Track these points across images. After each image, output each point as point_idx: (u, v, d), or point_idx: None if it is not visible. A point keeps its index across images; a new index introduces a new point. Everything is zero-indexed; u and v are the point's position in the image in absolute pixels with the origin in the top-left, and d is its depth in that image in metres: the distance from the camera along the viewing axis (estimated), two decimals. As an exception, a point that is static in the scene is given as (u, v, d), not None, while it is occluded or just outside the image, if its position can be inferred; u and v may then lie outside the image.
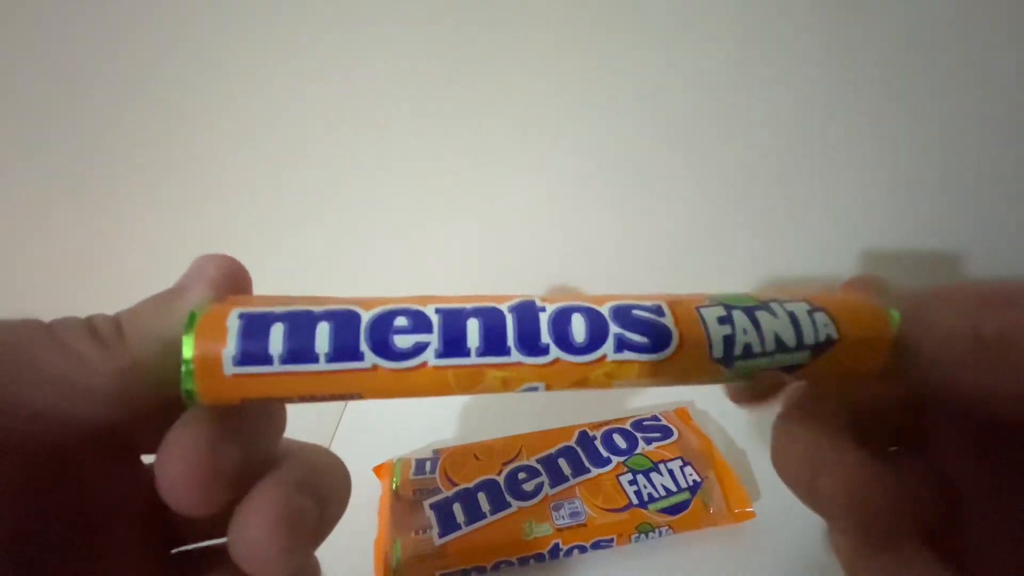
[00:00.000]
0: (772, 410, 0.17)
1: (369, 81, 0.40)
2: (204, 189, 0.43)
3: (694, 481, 0.35)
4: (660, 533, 0.34)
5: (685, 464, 0.36)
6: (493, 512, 0.33)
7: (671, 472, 0.36)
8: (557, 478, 0.35)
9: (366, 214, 0.46)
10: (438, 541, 0.32)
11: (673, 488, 0.35)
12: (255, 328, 0.13)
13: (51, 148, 0.41)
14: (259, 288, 0.16)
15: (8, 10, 0.37)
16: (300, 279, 0.46)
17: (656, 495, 0.34)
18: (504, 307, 0.15)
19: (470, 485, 0.35)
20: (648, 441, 0.38)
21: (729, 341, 0.14)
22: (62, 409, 0.13)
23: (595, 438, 0.38)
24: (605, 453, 0.37)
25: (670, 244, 0.48)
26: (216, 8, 0.37)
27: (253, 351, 0.13)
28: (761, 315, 0.15)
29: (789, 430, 0.16)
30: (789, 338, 0.15)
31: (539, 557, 0.33)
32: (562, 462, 0.36)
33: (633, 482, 0.35)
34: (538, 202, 0.46)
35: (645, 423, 0.40)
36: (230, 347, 0.13)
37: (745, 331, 0.15)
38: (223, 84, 0.40)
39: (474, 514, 0.33)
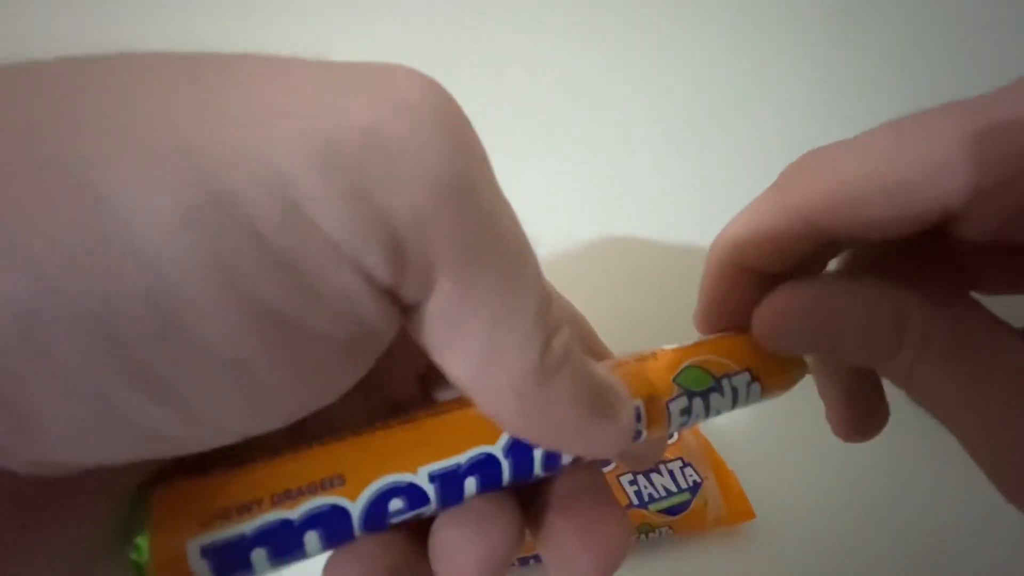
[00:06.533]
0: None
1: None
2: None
3: (694, 482, 0.35)
4: (660, 534, 0.34)
5: (685, 465, 0.36)
6: (493, 513, 0.33)
7: (671, 473, 0.36)
8: (557, 479, 0.35)
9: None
10: (438, 541, 0.32)
11: (673, 489, 0.35)
12: (230, 564, 0.11)
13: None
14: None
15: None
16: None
17: (656, 495, 0.34)
18: (499, 451, 0.14)
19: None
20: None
21: (683, 425, 0.16)
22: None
23: (595, 439, 0.38)
24: (605, 454, 0.37)
25: (671, 240, 0.48)
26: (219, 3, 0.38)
27: None
28: (713, 398, 0.16)
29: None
30: (725, 409, 0.17)
31: (539, 557, 0.32)
32: (562, 463, 0.36)
33: (633, 482, 0.35)
34: (537, 201, 0.46)
35: (645, 424, 0.39)
36: None
37: (697, 415, 0.16)
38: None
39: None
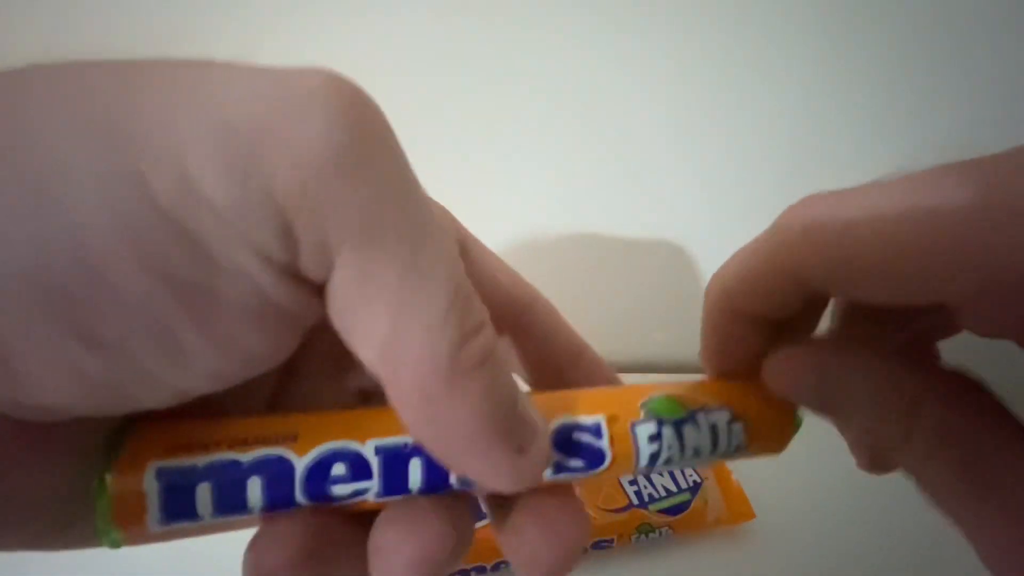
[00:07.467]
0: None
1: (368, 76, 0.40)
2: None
3: (694, 482, 0.35)
4: (660, 534, 0.34)
5: (685, 465, 0.36)
6: (493, 512, 0.33)
7: (671, 473, 0.36)
8: (557, 478, 0.35)
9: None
10: (438, 541, 0.32)
11: (673, 488, 0.35)
12: (177, 490, 0.13)
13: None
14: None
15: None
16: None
17: (656, 495, 0.34)
18: None
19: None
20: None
21: (654, 457, 0.15)
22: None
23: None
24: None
25: (668, 238, 0.48)
26: (223, 5, 0.38)
27: (178, 513, 0.13)
28: (687, 430, 0.16)
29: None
30: (705, 449, 0.16)
31: (539, 557, 0.33)
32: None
33: (633, 482, 0.35)
34: (531, 197, 0.46)
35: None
36: (152, 512, 0.12)
37: (670, 447, 0.15)
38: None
39: (475, 514, 0.33)
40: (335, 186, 0.11)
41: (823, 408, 0.16)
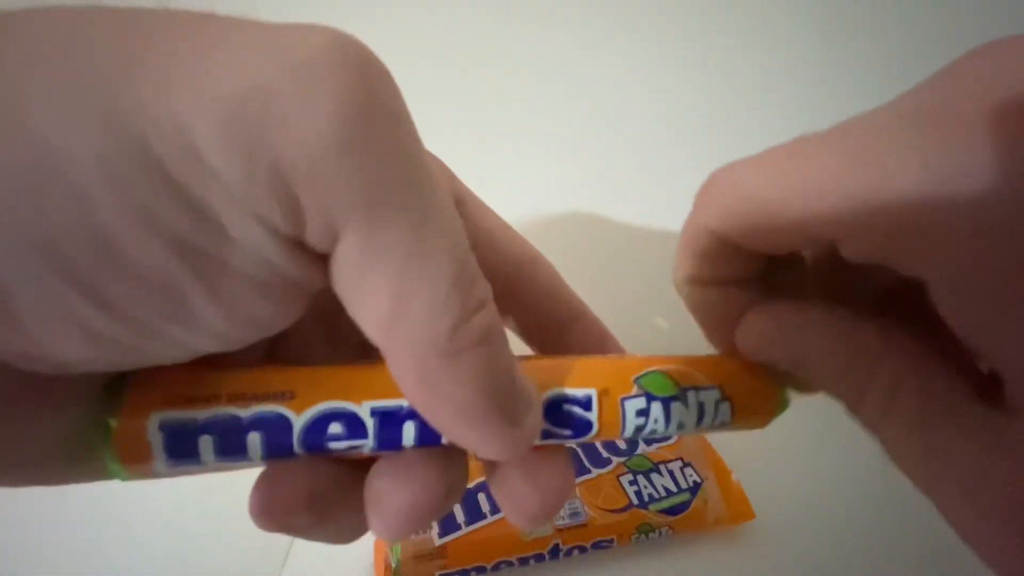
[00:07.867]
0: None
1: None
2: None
3: (694, 482, 0.35)
4: (660, 533, 0.34)
5: (685, 465, 0.36)
6: (493, 512, 0.33)
7: (671, 473, 0.36)
8: (557, 478, 0.35)
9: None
10: (438, 541, 0.32)
11: (673, 489, 0.35)
12: (181, 442, 0.13)
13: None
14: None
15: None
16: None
17: (656, 495, 0.34)
18: None
19: (470, 485, 0.35)
20: (648, 442, 0.38)
21: (639, 429, 0.16)
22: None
23: (595, 438, 0.38)
24: (605, 454, 0.37)
25: (670, 225, 0.48)
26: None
27: (182, 461, 0.13)
28: (675, 407, 0.16)
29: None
30: (689, 424, 0.16)
31: (539, 557, 0.33)
32: (562, 462, 0.36)
33: (634, 482, 0.35)
34: (530, 195, 0.46)
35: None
36: (158, 459, 0.13)
37: (656, 421, 0.16)
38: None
39: (474, 514, 0.33)
40: (341, 163, 0.10)
41: (790, 366, 0.16)
